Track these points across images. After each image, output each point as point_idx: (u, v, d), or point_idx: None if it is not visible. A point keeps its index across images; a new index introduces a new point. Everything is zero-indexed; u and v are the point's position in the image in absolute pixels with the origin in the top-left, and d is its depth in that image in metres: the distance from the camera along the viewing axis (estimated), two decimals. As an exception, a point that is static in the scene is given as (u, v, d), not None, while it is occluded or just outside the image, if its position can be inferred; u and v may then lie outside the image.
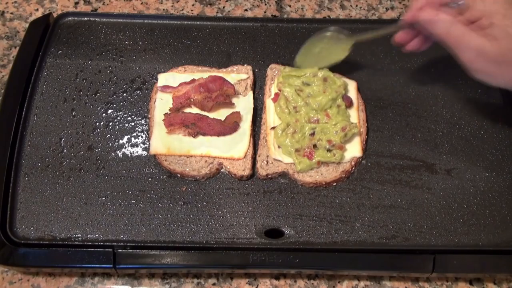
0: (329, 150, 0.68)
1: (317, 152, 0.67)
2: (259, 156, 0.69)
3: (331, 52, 0.72)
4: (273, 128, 0.70)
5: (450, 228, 0.65)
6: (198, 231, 0.64)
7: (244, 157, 0.68)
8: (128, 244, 0.63)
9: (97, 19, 0.81)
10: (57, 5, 0.92)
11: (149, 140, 0.70)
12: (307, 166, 0.67)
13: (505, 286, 0.69)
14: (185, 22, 0.82)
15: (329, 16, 0.92)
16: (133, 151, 0.70)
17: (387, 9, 0.94)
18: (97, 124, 0.72)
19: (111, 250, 0.62)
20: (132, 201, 0.66)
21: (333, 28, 0.71)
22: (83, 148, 0.70)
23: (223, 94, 0.70)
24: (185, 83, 0.72)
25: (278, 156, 0.68)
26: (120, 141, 0.71)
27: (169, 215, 0.65)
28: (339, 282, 0.68)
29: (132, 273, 0.68)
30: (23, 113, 0.71)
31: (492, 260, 0.64)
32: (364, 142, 0.70)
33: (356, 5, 0.94)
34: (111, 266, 0.62)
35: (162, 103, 0.72)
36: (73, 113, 0.73)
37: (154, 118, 0.71)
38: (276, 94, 0.72)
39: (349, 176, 0.69)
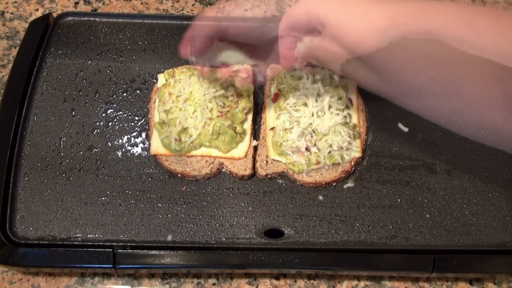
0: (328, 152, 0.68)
1: (316, 153, 0.67)
2: (258, 156, 0.69)
3: None
4: (272, 128, 0.70)
5: (450, 228, 0.65)
6: (198, 231, 0.64)
7: (245, 156, 0.68)
8: (128, 244, 0.63)
9: (97, 19, 0.81)
10: (57, 5, 0.92)
11: (149, 140, 0.70)
12: (306, 166, 0.67)
13: (505, 286, 0.69)
14: (185, 22, 0.81)
15: (329, 16, 0.92)
16: (133, 151, 0.70)
17: (387, 9, 0.93)
18: (97, 124, 0.72)
19: (111, 250, 0.62)
20: (132, 201, 0.66)
21: None
22: (83, 148, 0.70)
23: None
24: None
25: (277, 156, 0.68)
26: (120, 141, 0.71)
27: (169, 215, 0.65)
28: (339, 282, 0.68)
29: (132, 273, 0.68)
30: (23, 113, 0.71)
31: (492, 260, 0.64)
32: (364, 142, 0.70)
33: (356, 5, 0.94)
34: (111, 266, 0.62)
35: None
36: (73, 113, 0.73)
37: (154, 118, 0.71)
38: (276, 94, 0.72)
39: (349, 176, 0.69)
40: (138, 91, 0.75)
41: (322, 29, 0.54)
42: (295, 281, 0.68)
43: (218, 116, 0.68)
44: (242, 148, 0.69)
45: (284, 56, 0.62)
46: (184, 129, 0.67)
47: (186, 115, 0.68)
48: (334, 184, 0.68)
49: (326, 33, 0.54)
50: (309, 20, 0.55)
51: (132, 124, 0.72)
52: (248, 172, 0.67)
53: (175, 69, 0.73)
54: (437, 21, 0.48)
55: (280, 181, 0.69)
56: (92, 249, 0.63)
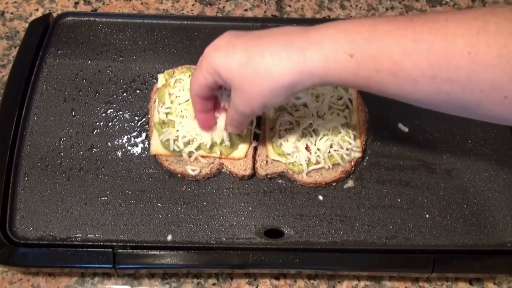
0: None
1: (316, 153, 0.67)
2: (258, 156, 0.69)
3: None
4: (272, 128, 0.70)
5: (450, 228, 0.65)
6: (198, 231, 0.64)
7: (245, 157, 0.68)
8: (128, 244, 0.63)
9: (97, 19, 0.81)
10: (57, 5, 0.92)
11: (149, 140, 0.70)
12: (306, 166, 0.67)
13: (505, 286, 0.69)
14: (185, 22, 0.81)
15: (329, 16, 0.92)
16: (133, 151, 0.70)
17: (387, 9, 0.94)
18: (97, 124, 0.72)
19: (111, 250, 0.62)
20: (132, 201, 0.66)
21: None
22: (83, 148, 0.70)
23: None
24: None
25: (277, 156, 0.68)
26: (120, 141, 0.71)
27: (169, 215, 0.65)
28: (339, 282, 0.68)
29: (132, 273, 0.68)
30: (23, 113, 0.71)
31: (492, 260, 0.64)
32: (364, 142, 0.70)
33: (356, 5, 0.94)
34: (111, 266, 0.62)
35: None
36: (73, 113, 0.73)
37: (154, 118, 0.71)
38: (276, 94, 0.72)
39: (349, 176, 0.69)
40: (138, 91, 0.75)
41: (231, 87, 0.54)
42: (295, 281, 0.68)
43: None
44: (242, 148, 0.69)
45: (200, 120, 0.64)
46: (184, 137, 0.67)
47: (185, 123, 0.67)
48: (334, 184, 0.68)
49: (234, 92, 0.54)
50: (215, 80, 0.54)
51: (132, 124, 0.72)
52: (248, 172, 0.67)
53: (175, 69, 0.73)
54: (333, 73, 0.48)
55: (280, 181, 0.69)
56: (92, 249, 0.63)
